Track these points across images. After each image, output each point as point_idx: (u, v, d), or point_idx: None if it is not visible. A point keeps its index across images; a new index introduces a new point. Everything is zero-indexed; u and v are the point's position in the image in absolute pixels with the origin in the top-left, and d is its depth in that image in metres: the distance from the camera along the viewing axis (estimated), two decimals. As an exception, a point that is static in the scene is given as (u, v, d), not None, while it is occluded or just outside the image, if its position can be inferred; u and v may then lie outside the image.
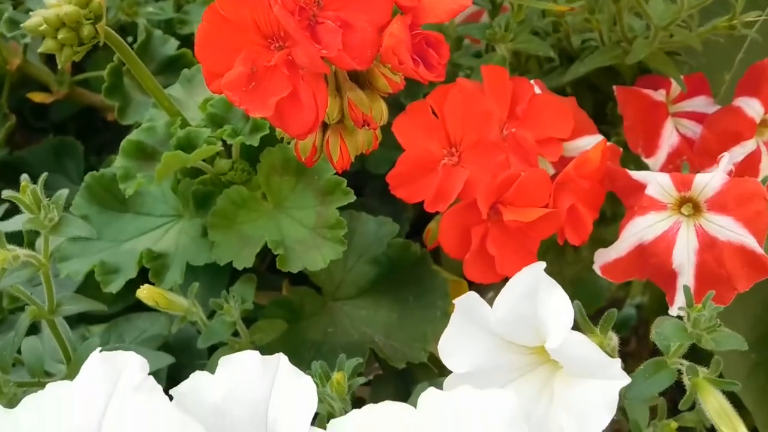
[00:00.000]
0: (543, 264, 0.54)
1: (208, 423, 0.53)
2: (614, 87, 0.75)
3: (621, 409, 0.54)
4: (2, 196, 0.62)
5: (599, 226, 0.71)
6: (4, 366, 0.63)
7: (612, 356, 0.56)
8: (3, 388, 0.61)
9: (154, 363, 0.59)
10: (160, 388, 0.50)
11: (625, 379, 0.52)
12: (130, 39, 0.87)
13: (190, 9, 0.91)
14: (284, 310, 0.74)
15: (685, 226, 0.63)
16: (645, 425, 0.62)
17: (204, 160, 0.68)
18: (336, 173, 0.66)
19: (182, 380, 0.53)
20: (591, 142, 0.70)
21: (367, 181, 0.81)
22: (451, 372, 0.58)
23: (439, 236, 0.67)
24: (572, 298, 0.54)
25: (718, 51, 0.77)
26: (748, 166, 0.70)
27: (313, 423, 0.50)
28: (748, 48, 0.79)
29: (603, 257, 0.66)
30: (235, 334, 0.68)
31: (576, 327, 0.54)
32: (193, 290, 0.67)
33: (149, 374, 0.51)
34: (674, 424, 0.61)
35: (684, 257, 0.63)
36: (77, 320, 0.74)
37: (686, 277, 0.63)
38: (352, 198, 0.67)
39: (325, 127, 0.58)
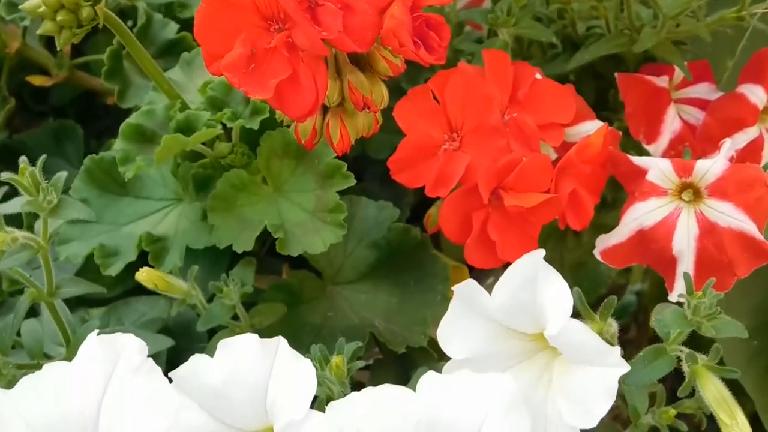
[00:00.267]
0: (542, 251, 0.54)
1: (208, 405, 0.53)
2: (616, 74, 0.75)
3: (620, 396, 0.53)
4: (1, 179, 0.62)
5: (600, 211, 0.71)
6: (4, 348, 0.63)
7: (611, 343, 0.56)
8: (2, 370, 0.62)
9: (154, 346, 0.59)
10: (159, 370, 0.51)
11: (624, 367, 0.52)
12: (129, 23, 0.87)
13: (191, -7, 0.91)
14: (284, 294, 0.74)
15: (685, 212, 0.63)
16: (644, 412, 0.62)
17: (204, 144, 0.68)
18: (336, 157, 0.66)
19: (181, 363, 0.53)
20: (593, 127, 0.70)
21: (367, 166, 0.81)
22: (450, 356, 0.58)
23: (440, 221, 0.67)
24: (573, 285, 0.54)
25: (721, 38, 0.77)
26: (750, 153, 0.70)
27: (312, 406, 0.50)
28: (751, 35, 0.78)
29: (603, 242, 0.66)
30: (235, 317, 0.68)
31: (576, 314, 0.54)
32: (192, 273, 0.67)
33: (148, 357, 0.51)
34: (673, 411, 0.61)
35: (684, 243, 0.63)
36: (76, 303, 0.74)
37: (686, 264, 0.63)
38: (353, 182, 0.67)
39: (325, 110, 0.58)
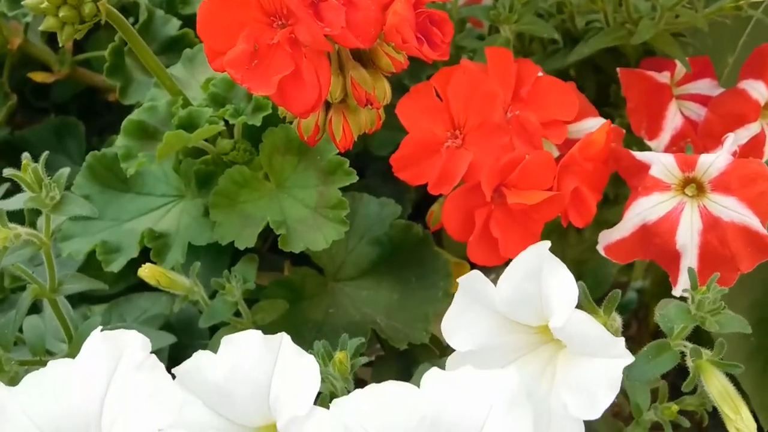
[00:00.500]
0: (548, 243, 0.54)
1: (211, 402, 0.53)
2: (618, 69, 0.75)
3: (622, 392, 0.53)
4: (4, 175, 0.62)
5: (602, 208, 0.71)
6: (6, 344, 0.63)
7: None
8: (5, 366, 0.61)
9: (156, 342, 0.59)
10: (162, 366, 0.50)
11: (629, 358, 0.52)
12: (131, 19, 0.87)
13: (192, -11, 0.91)
14: (286, 291, 0.74)
15: (689, 207, 0.63)
16: (646, 408, 0.62)
17: (206, 140, 0.68)
18: (338, 153, 0.66)
19: (184, 360, 0.53)
20: (595, 124, 0.70)
21: (369, 163, 0.81)
22: (452, 352, 0.58)
23: (443, 218, 0.66)
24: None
25: (722, 33, 0.77)
26: (752, 149, 0.70)
27: (315, 403, 0.50)
28: (752, 30, 0.78)
29: (607, 238, 0.66)
30: (237, 314, 0.68)
31: (579, 308, 0.54)
32: (194, 270, 0.66)
33: (151, 353, 0.51)
34: (675, 407, 0.61)
35: (687, 238, 0.63)
36: (78, 300, 0.74)
37: (689, 258, 0.63)
38: (355, 178, 0.67)
39: (327, 106, 0.58)
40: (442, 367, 0.55)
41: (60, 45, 0.60)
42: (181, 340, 0.72)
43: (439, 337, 0.68)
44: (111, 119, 0.92)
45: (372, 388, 0.50)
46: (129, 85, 0.82)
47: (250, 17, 0.53)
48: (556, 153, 0.70)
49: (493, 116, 0.66)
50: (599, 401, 0.52)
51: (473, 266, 0.73)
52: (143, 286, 0.68)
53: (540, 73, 0.70)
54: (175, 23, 0.84)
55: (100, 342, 0.51)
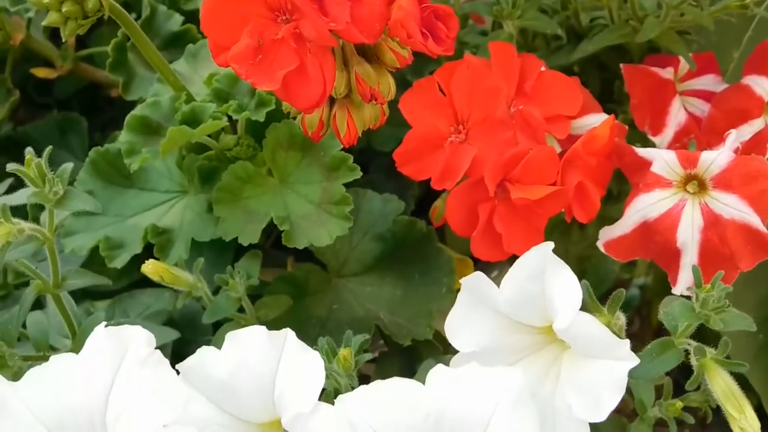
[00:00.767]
0: (551, 244, 0.54)
1: (215, 398, 0.53)
2: (621, 65, 0.75)
3: (626, 388, 0.53)
4: (7, 170, 0.62)
5: (606, 204, 0.71)
6: (10, 340, 0.63)
7: (619, 336, 0.56)
8: (8, 361, 0.61)
9: (159, 338, 0.59)
10: (166, 362, 0.50)
11: (634, 360, 0.52)
12: (134, 15, 0.86)
13: (195, -16, 0.91)
14: (289, 286, 0.74)
15: (690, 204, 0.63)
16: (650, 405, 0.62)
17: (209, 136, 0.68)
18: (342, 149, 0.66)
19: (187, 356, 0.53)
20: (598, 119, 0.70)
21: (372, 159, 0.81)
22: (456, 349, 0.57)
23: (446, 214, 0.66)
24: (578, 278, 0.54)
25: (726, 29, 0.77)
26: (755, 145, 0.69)
27: (319, 399, 0.50)
28: (757, 27, 0.78)
29: (607, 234, 0.65)
30: (241, 310, 0.68)
31: (583, 307, 0.54)
32: (198, 266, 0.66)
33: (155, 349, 0.51)
34: (680, 404, 0.61)
35: (688, 235, 0.62)
36: (82, 296, 0.74)
37: (690, 256, 0.62)
38: (358, 174, 0.67)
39: (332, 101, 0.58)
40: (446, 363, 0.55)
41: (63, 40, 0.60)
42: (184, 336, 0.72)
43: (442, 333, 0.68)
44: (114, 115, 0.92)
45: (377, 384, 0.50)
46: (132, 80, 0.82)
47: (255, 12, 0.53)
48: (558, 148, 0.70)
49: (496, 111, 0.66)
50: (605, 403, 0.51)
51: (476, 262, 0.73)
52: (146, 282, 0.68)
53: (543, 68, 0.70)
54: (177, 19, 0.84)
55: (104, 337, 0.51)
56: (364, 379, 0.54)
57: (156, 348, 0.51)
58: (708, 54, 0.77)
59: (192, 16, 0.85)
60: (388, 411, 0.49)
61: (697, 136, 0.73)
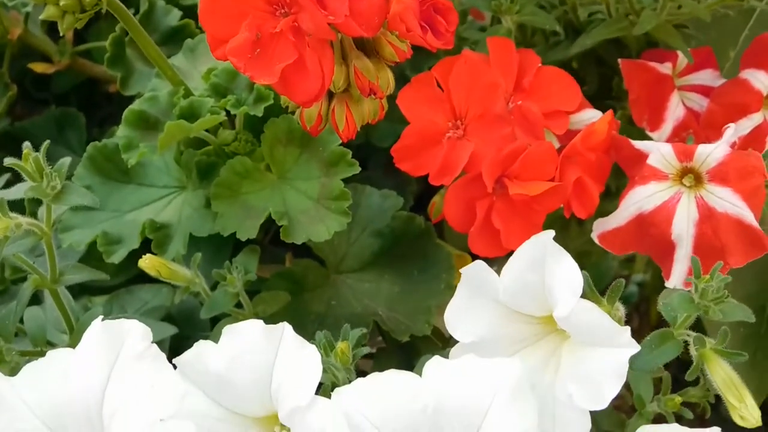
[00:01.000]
0: (551, 232, 0.54)
1: (212, 392, 0.53)
2: (620, 60, 0.75)
3: (624, 384, 0.53)
4: (5, 164, 0.61)
5: (604, 200, 0.71)
6: (7, 335, 0.63)
7: (619, 326, 0.55)
8: (5, 356, 0.61)
9: (157, 334, 0.59)
10: (163, 356, 0.50)
11: (635, 347, 0.51)
12: (132, 10, 0.86)
13: (193, -20, 0.90)
14: (287, 282, 0.73)
15: (686, 197, 0.63)
16: (649, 400, 0.62)
17: (207, 131, 0.68)
18: (341, 144, 0.66)
19: (184, 351, 0.53)
20: (595, 115, 0.70)
21: (371, 155, 0.81)
22: (455, 344, 0.57)
23: (444, 210, 0.66)
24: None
25: (725, 24, 0.77)
26: (754, 139, 0.70)
27: (317, 393, 0.50)
28: (755, 23, 0.78)
29: (602, 226, 0.65)
30: (238, 305, 0.68)
31: (583, 298, 0.54)
32: (195, 261, 0.66)
33: (152, 343, 0.51)
34: (679, 399, 0.61)
35: (683, 228, 0.62)
36: (79, 291, 0.74)
37: (684, 249, 0.62)
38: (357, 169, 0.66)
39: (330, 95, 0.58)
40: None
41: (60, 35, 0.60)
42: (182, 332, 0.72)
43: (441, 329, 0.67)
44: (111, 110, 0.92)
45: (374, 376, 0.50)
46: (130, 75, 0.82)
47: (253, 6, 0.53)
48: (556, 144, 0.70)
49: (494, 106, 0.65)
50: (606, 391, 0.51)
51: (475, 258, 0.72)
52: (144, 278, 0.68)
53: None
54: (176, 14, 0.84)
55: (100, 331, 0.51)
56: (363, 376, 0.54)
57: (154, 343, 0.51)
58: (705, 49, 0.77)
59: (190, 11, 0.84)
60: (385, 403, 0.49)
61: (696, 131, 0.73)
